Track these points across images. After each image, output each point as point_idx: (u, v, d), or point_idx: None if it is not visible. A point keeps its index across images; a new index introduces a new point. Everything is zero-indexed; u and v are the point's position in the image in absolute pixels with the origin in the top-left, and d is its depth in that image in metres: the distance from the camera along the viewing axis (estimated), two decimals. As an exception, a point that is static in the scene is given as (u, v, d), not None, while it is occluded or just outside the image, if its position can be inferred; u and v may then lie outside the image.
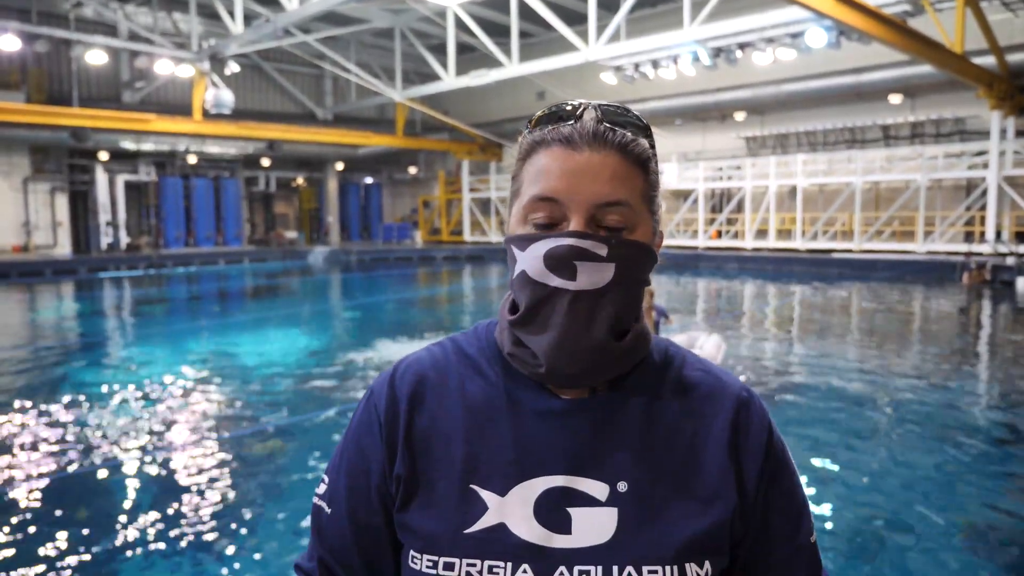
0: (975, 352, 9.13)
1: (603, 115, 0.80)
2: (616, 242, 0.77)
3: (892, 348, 8.95)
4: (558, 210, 0.78)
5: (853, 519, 3.96)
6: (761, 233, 20.86)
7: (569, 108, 0.81)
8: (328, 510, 0.87)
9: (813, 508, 3.99)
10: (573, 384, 0.81)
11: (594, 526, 0.77)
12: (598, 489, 0.79)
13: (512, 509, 0.78)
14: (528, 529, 0.77)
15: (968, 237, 17.74)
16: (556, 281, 0.77)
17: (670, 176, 22.03)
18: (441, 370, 0.87)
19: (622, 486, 0.79)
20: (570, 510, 0.78)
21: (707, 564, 0.79)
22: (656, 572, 0.77)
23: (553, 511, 0.78)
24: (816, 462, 4.80)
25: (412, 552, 0.80)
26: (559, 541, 0.77)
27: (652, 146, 0.83)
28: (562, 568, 0.76)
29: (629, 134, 0.79)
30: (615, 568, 0.76)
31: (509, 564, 0.76)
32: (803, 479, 3.53)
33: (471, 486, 0.80)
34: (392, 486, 0.84)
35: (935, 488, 4.43)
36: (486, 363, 0.86)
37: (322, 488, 0.89)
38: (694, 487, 0.81)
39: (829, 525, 3.87)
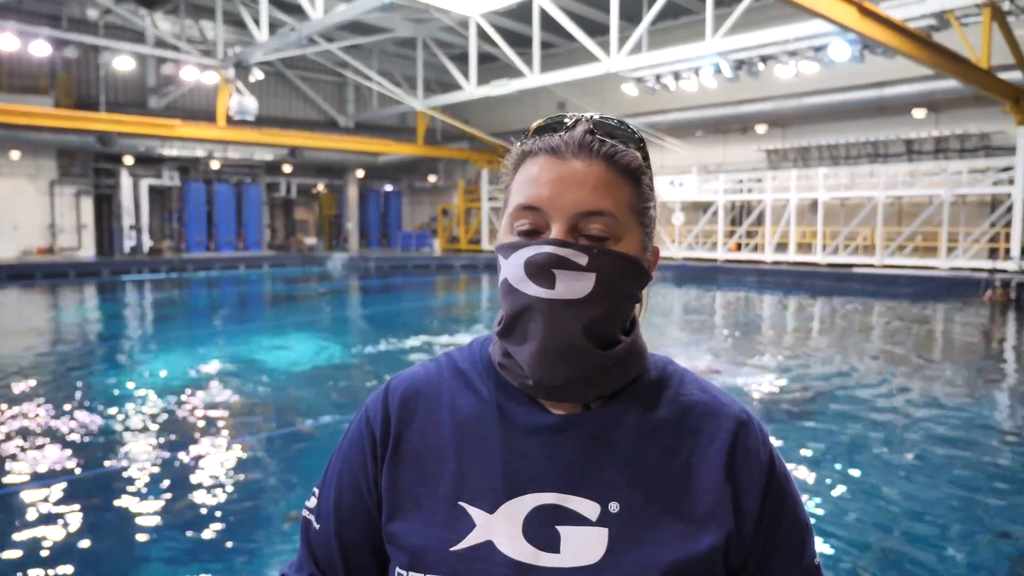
0: (1000, 372, 8.97)
1: (595, 126, 0.80)
2: (597, 252, 0.76)
3: (914, 366, 8.83)
4: (541, 218, 0.77)
5: (870, 550, 3.89)
6: (781, 246, 20.70)
7: (565, 120, 0.81)
8: (317, 525, 0.88)
9: (831, 537, 3.93)
10: (561, 396, 0.79)
11: (583, 546, 0.75)
12: (589, 508, 0.77)
13: (500, 526, 0.77)
14: (515, 547, 0.76)
15: (992, 254, 17.48)
16: (535, 289, 0.76)
17: (690, 188, 21.95)
18: (435, 386, 0.87)
19: (613, 506, 0.77)
20: (559, 528, 0.76)
21: None
22: None
23: (542, 529, 0.76)
24: (829, 484, 4.74)
25: (398, 569, 0.79)
26: (546, 560, 0.75)
27: (646, 158, 0.82)
28: None
29: (619, 144, 0.79)
30: None
31: None
32: (817, 502, 3.45)
33: (459, 503, 0.79)
34: (379, 502, 0.84)
35: (956, 517, 4.35)
36: (478, 378, 0.85)
37: (312, 502, 0.90)
38: (687, 509, 0.78)
39: (846, 556, 3.81)
